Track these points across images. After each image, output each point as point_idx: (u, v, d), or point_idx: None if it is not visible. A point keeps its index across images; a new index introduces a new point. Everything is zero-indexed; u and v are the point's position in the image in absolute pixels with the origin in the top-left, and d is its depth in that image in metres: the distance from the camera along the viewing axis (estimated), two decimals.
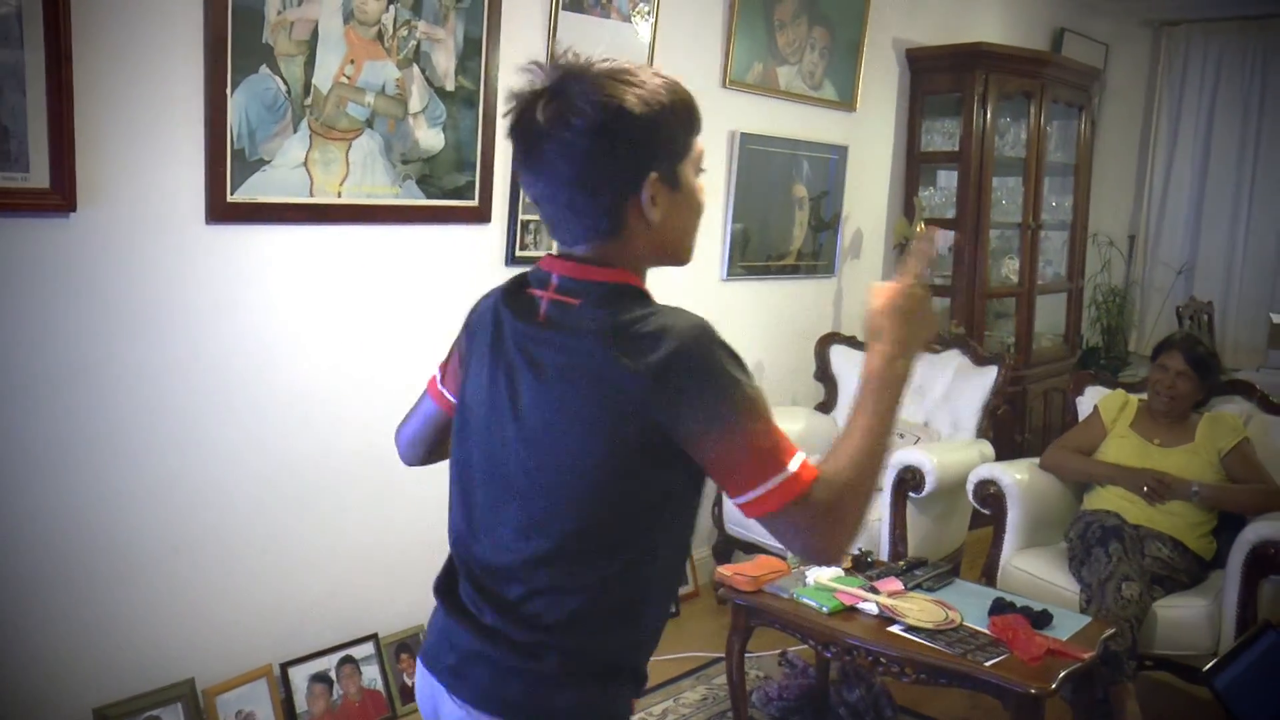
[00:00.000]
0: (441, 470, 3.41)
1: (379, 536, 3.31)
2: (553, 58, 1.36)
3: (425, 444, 1.67)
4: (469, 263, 3.44)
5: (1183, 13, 6.72)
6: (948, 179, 5.46)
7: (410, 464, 1.72)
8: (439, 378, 1.61)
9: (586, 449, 1.29)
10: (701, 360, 1.27)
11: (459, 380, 1.52)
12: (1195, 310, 6.24)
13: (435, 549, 3.33)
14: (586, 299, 1.34)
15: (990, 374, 4.28)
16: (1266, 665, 2.13)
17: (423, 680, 1.49)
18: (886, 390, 1.37)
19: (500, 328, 1.40)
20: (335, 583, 3.24)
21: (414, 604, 3.38)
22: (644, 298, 1.36)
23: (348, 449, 3.20)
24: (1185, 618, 3.23)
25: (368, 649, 3.24)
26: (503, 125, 3.38)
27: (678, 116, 1.33)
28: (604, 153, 1.29)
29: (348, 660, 3.19)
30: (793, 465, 1.27)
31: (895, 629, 2.80)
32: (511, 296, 1.42)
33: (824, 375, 4.74)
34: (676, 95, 1.33)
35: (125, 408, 2.73)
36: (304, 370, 3.08)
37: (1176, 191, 6.81)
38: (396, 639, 3.32)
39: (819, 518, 1.27)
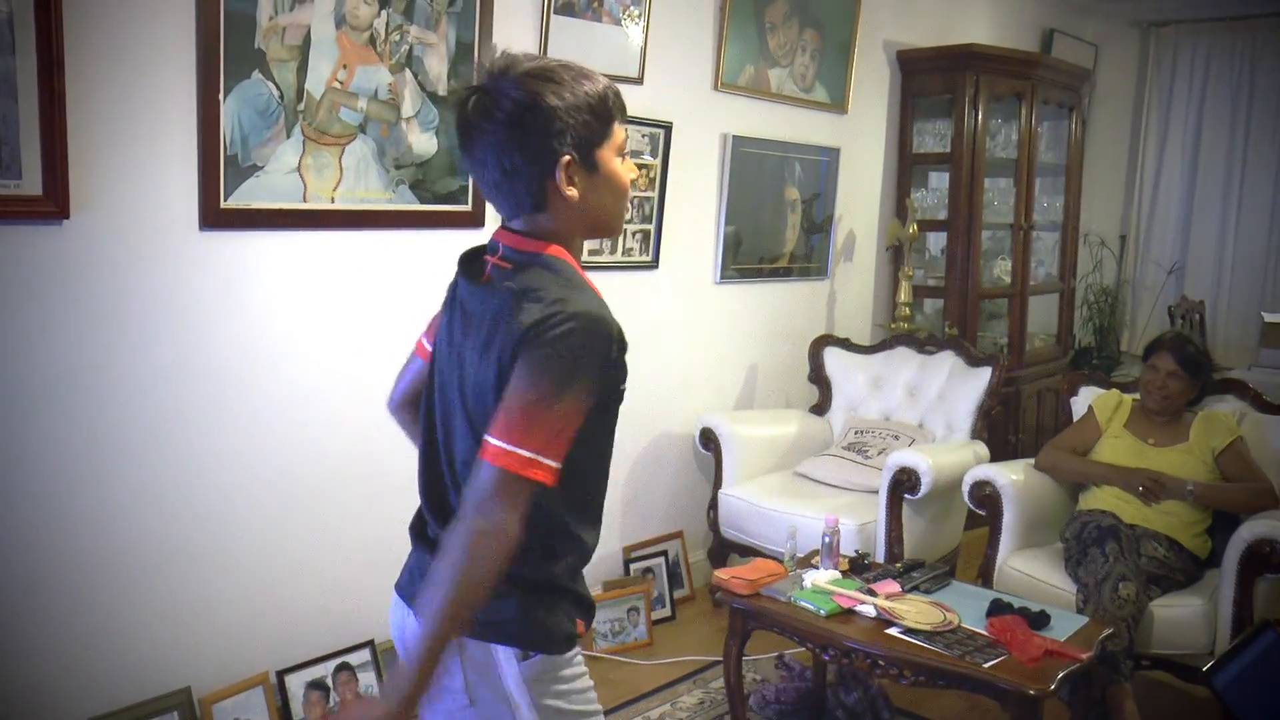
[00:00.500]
0: None
1: (375, 542, 3.30)
2: (490, 58, 1.58)
3: (414, 403, 1.83)
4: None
5: (1171, 14, 6.74)
6: (939, 180, 5.47)
7: (403, 427, 1.90)
8: (424, 334, 1.83)
9: (487, 376, 1.52)
10: (565, 334, 1.45)
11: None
12: (1187, 309, 6.26)
13: None
14: (515, 265, 1.56)
15: (984, 375, 4.29)
16: (1266, 664, 2.12)
17: (395, 609, 1.73)
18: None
19: (456, 287, 1.67)
20: (331, 589, 3.23)
21: None
22: (563, 269, 1.55)
23: (343, 454, 3.19)
24: (1181, 617, 3.23)
25: (364, 655, 3.23)
26: None
27: (592, 108, 1.53)
28: (519, 140, 1.50)
29: (344, 667, 3.18)
30: (532, 452, 1.43)
31: (893, 631, 2.79)
32: (468, 262, 1.66)
33: (818, 378, 4.74)
34: (592, 89, 1.54)
35: (120, 415, 2.72)
36: (298, 377, 3.07)
37: (1167, 191, 6.83)
38: (393, 645, 3.30)
39: (501, 502, 1.42)
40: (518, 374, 1.46)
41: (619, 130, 1.59)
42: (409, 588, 1.69)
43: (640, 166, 3.98)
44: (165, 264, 2.75)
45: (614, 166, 1.59)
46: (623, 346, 1.55)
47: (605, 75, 1.59)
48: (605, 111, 1.55)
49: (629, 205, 1.70)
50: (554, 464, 1.45)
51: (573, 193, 1.54)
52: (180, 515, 2.87)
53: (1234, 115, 6.58)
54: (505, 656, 1.57)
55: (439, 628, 1.43)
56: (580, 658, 1.66)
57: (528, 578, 1.56)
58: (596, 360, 1.48)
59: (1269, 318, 5.46)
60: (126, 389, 2.72)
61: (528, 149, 1.51)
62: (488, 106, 1.51)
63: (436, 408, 1.67)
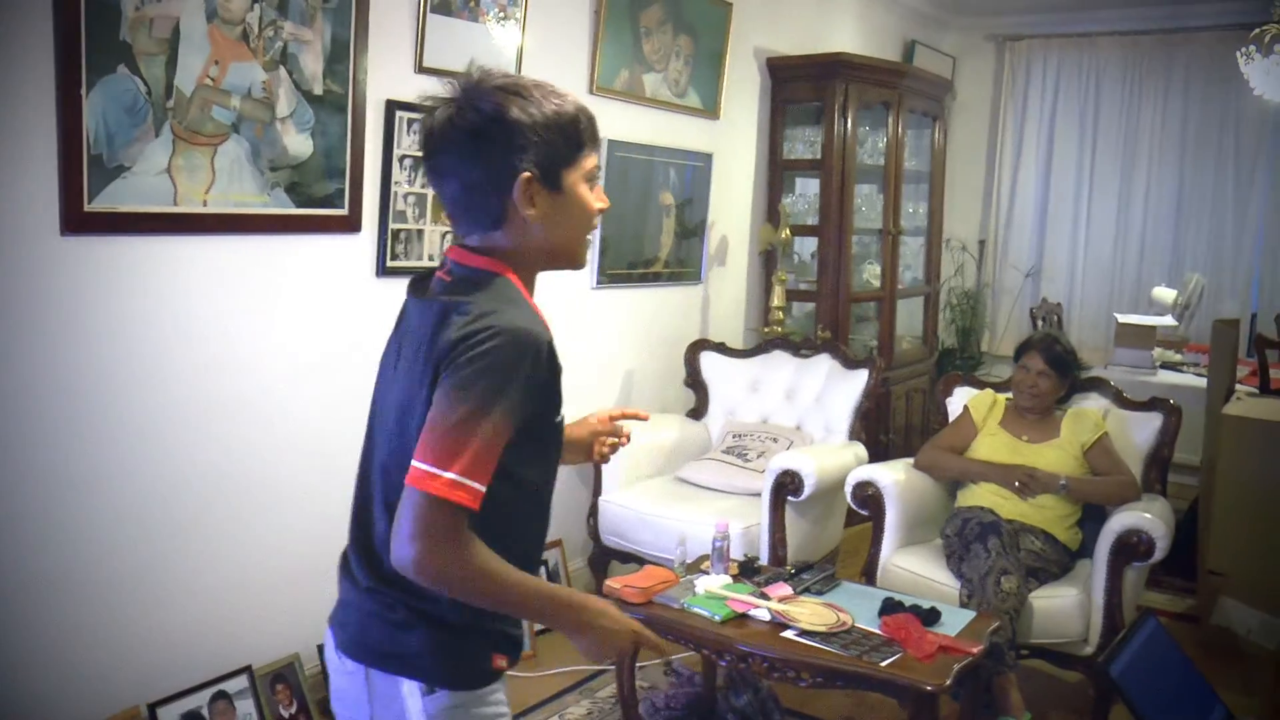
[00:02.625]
0: (313, 491, 3.29)
1: (248, 563, 3.15)
2: (465, 72, 1.53)
3: None
4: (339, 274, 3.32)
5: (1023, 29, 7.04)
6: (808, 186, 5.56)
7: None
8: None
9: (414, 395, 1.47)
10: (489, 350, 1.40)
11: None
12: (1047, 311, 6.53)
13: (309, 572, 3.24)
14: (455, 279, 1.52)
15: (861, 377, 4.36)
16: (1151, 650, 2.21)
17: (327, 639, 1.65)
18: (563, 615, 1.54)
19: (405, 306, 1.62)
20: (204, 614, 3.06)
21: (289, 631, 3.24)
22: (503, 288, 1.50)
23: (214, 472, 3.04)
24: (1058, 607, 3.34)
25: (241, 682, 3.07)
26: (372, 131, 3.30)
27: (560, 128, 1.50)
28: (481, 153, 1.47)
29: (221, 695, 3.02)
30: (456, 474, 1.36)
31: (789, 634, 2.80)
32: (419, 279, 1.61)
33: (695, 382, 4.75)
34: (562, 109, 1.51)
35: None
36: (169, 391, 2.90)
37: (1023, 198, 7.12)
38: (271, 669, 3.16)
39: (428, 529, 1.37)
40: (440, 392, 1.41)
41: (590, 156, 1.56)
42: (333, 616, 1.64)
43: None
44: (22, 272, 2.56)
45: (580, 191, 1.55)
46: (555, 368, 1.50)
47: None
48: (574, 134, 1.52)
49: (590, 238, 1.64)
50: (478, 486, 1.39)
51: (532, 213, 1.50)
52: (31, 541, 2.67)
53: (1081, 126, 6.91)
54: (409, 690, 1.52)
55: (529, 615, 1.58)
56: (499, 694, 1.59)
57: (437, 614, 1.50)
58: (520, 378, 1.42)
59: (1121, 319, 5.70)
60: None
61: (489, 163, 1.48)
62: (453, 118, 1.48)
63: (374, 434, 1.61)
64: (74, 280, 2.66)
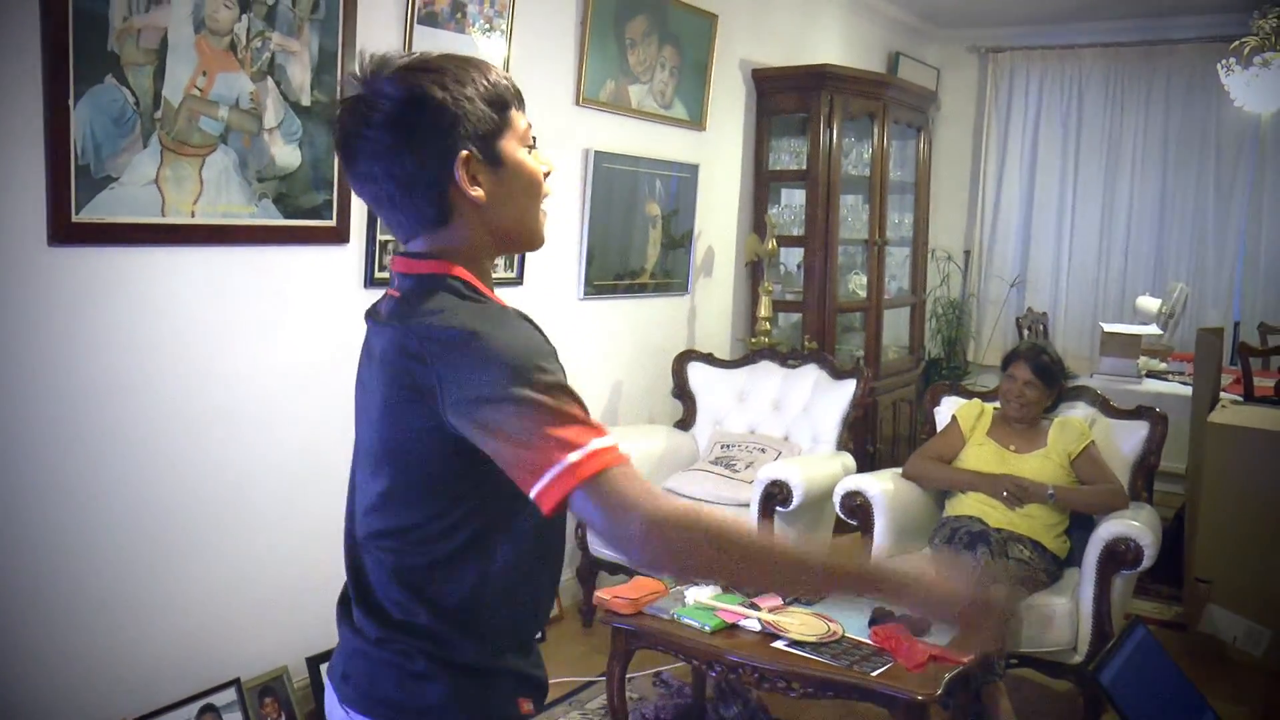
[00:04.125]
0: (301, 502, 3.27)
1: (237, 574, 3.13)
2: (359, 63, 1.37)
3: None
4: (327, 285, 3.31)
5: (1006, 41, 7.11)
6: (794, 197, 5.58)
7: None
8: None
9: (385, 422, 1.35)
10: (460, 348, 1.26)
11: None
12: (1033, 321, 6.57)
13: (298, 584, 3.22)
14: (403, 294, 1.37)
15: (849, 387, 4.37)
16: (1140, 658, 2.22)
17: (328, 692, 1.51)
18: (861, 584, 1.35)
19: (366, 332, 1.47)
20: (192, 626, 3.04)
21: (278, 643, 3.23)
22: (453, 289, 1.34)
23: (203, 482, 3.02)
24: (1047, 615, 3.34)
25: (229, 695, 3.05)
26: None
27: (483, 96, 1.35)
28: (406, 141, 1.31)
29: (208, 709, 3.00)
30: (581, 450, 1.21)
31: (779, 644, 2.80)
32: (374, 305, 1.46)
33: (682, 392, 4.75)
34: (480, 73, 1.36)
35: None
36: (155, 402, 2.89)
37: (1007, 208, 7.17)
38: (260, 682, 3.14)
39: (615, 509, 1.21)
40: (479, 432, 1.24)
41: (518, 117, 1.39)
42: (333, 669, 1.49)
43: None
44: (9, 282, 2.54)
45: (520, 157, 1.39)
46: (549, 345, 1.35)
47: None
48: (499, 98, 1.36)
49: (544, 210, 1.45)
50: (608, 440, 1.23)
51: (478, 193, 1.34)
52: (21, 551, 2.65)
53: (1064, 137, 6.98)
54: None
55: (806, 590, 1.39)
56: None
57: (460, 660, 1.37)
58: (520, 349, 1.28)
59: (1107, 328, 5.73)
60: None
61: (420, 150, 1.31)
62: (364, 112, 1.32)
63: (354, 475, 1.49)
64: (61, 291, 2.65)
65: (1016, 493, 3.54)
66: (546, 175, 1.44)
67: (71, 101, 2.55)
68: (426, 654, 1.36)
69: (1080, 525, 3.59)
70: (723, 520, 1.24)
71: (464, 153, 1.33)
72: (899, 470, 3.89)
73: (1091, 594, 3.36)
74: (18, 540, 2.64)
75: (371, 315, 1.44)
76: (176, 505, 2.97)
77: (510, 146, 1.38)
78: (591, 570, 4.28)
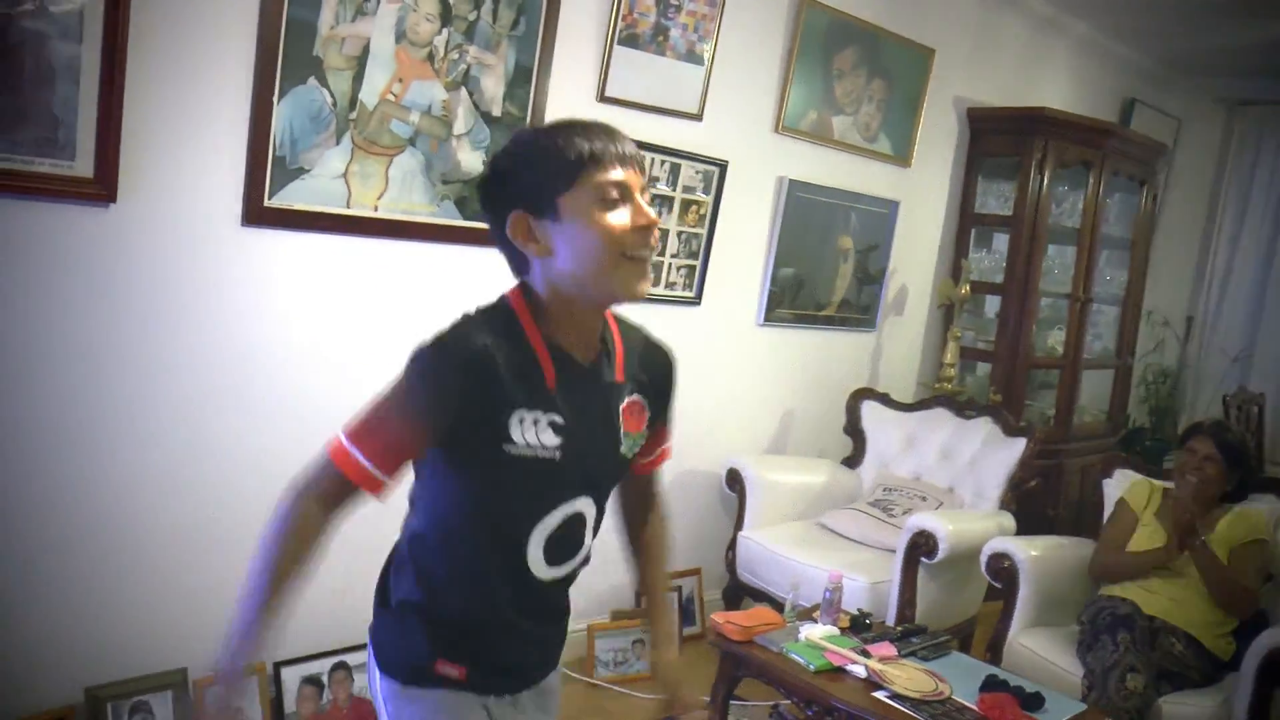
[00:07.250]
0: None
1: (386, 539, 3.32)
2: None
3: None
4: (496, 285, 3.46)
5: (1257, 94, 6.62)
6: (1000, 242, 5.41)
7: None
8: None
9: None
10: (413, 355, 1.51)
11: None
12: (1244, 401, 6.09)
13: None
14: None
15: (1018, 445, 4.22)
16: None
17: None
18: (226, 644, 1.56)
19: None
20: (344, 582, 3.24)
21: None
22: (494, 309, 1.57)
23: None
24: (1190, 715, 3.13)
25: (362, 657, 3.26)
26: None
27: (544, 157, 1.48)
28: (485, 208, 1.57)
29: (341, 666, 3.21)
30: (348, 440, 1.49)
31: (880, 695, 2.76)
32: None
33: (853, 430, 4.70)
34: (548, 141, 1.49)
35: (131, 397, 2.76)
36: (318, 379, 3.10)
37: (1240, 276, 6.70)
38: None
39: (305, 475, 1.51)
40: None
41: (596, 174, 1.47)
42: None
43: (691, 203, 4.00)
44: (204, 255, 2.82)
45: (586, 212, 1.47)
46: (473, 371, 1.47)
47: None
48: (563, 157, 1.46)
49: (647, 255, 1.54)
50: (366, 463, 1.47)
51: (535, 247, 1.51)
52: (184, 498, 2.90)
53: None
54: (372, 662, 1.68)
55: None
56: (434, 702, 1.60)
57: (389, 597, 1.67)
58: (431, 379, 1.48)
59: None
60: (140, 372, 2.77)
61: (490, 214, 1.56)
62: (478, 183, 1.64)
63: None
64: (249, 267, 2.91)
65: (1182, 535, 3.33)
66: (641, 228, 1.50)
67: (276, 98, 2.80)
68: (379, 584, 1.71)
69: (1255, 629, 3.28)
70: (284, 541, 1.48)
71: (515, 213, 1.52)
72: (1059, 539, 3.72)
73: (1247, 704, 3.10)
74: (183, 485, 2.91)
75: None
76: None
77: (574, 204, 1.48)
78: (737, 593, 4.30)
